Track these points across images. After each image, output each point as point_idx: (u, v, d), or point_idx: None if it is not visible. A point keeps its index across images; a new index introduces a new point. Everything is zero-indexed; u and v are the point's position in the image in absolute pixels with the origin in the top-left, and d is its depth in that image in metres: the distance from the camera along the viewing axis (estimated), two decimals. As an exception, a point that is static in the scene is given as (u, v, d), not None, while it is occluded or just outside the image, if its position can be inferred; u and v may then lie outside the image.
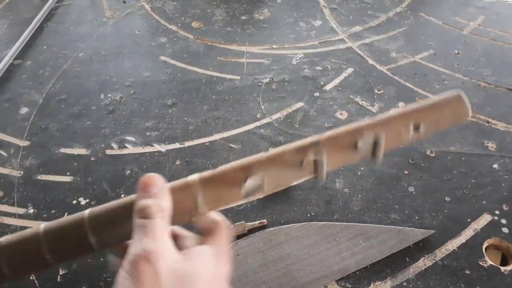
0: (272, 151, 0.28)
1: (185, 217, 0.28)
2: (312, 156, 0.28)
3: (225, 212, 0.75)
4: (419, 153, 0.85)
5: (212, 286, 0.23)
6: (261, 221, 0.73)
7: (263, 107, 0.99)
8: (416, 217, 0.73)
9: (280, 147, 0.28)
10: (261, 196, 0.30)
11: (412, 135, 0.29)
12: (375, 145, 0.28)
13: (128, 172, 0.84)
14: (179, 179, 0.28)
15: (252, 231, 0.71)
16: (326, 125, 0.93)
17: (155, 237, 0.23)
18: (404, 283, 0.64)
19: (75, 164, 0.87)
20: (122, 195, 0.80)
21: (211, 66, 1.12)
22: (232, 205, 0.28)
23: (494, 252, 0.69)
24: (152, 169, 0.84)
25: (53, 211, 0.77)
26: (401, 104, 0.97)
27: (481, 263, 0.66)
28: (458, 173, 0.81)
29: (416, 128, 0.29)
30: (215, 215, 0.28)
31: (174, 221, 0.27)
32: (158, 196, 0.25)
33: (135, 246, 0.22)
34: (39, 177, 0.85)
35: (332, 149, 0.29)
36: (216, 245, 0.26)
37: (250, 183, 0.27)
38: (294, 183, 0.29)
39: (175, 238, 0.28)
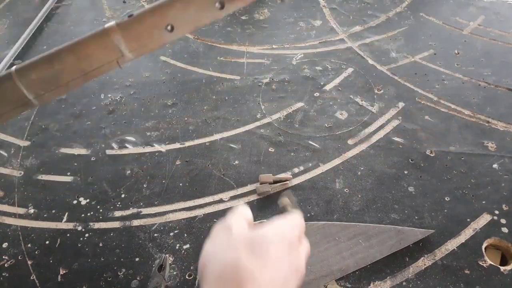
0: None
1: (110, 66, 0.28)
2: None
3: (226, 211, 0.75)
4: (419, 153, 0.85)
5: (279, 241, 0.29)
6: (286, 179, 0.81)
7: (263, 107, 0.99)
8: (416, 217, 0.73)
9: None
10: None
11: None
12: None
13: (129, 172, 0.84)
14: (96, 29, 0.28)
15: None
16: (326, 125, 0.93)
17: (234, 219, 0.31)
18: (404, 283, 0.64)
19: (75, 164, 0.87)
20: (123, 195, 0.80)
21: (211, 66, 1.13)
22: (156, 48, 0.28)
23: (494, 252, 0.70)
24: (152, 169, 0.84)
25: (53, 211, 0.78)
26: (400, 103, 0.97)
27: (480, 263, 0.66)
28: (458, 173, 0.81)
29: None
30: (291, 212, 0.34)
31: (93, 74, 0.27)
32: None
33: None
34: (39, 177, 0.85)
35: None
36: (286, 216, 0.32)
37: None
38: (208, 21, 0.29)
39: None
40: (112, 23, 0.27)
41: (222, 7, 0.28)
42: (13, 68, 0.27)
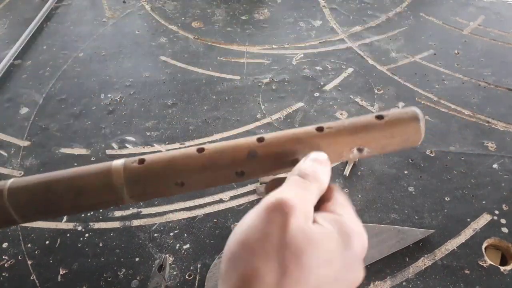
0: (207, 152, 0.26)
1: (107, 206, 0.26)
2: (244, 167, 0.26)
3: (226, 211, 0.76)
4: (419, 153, 0.85)
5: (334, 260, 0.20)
6: None
7: (263, 107, 0.99)
8: (416, 217, 0.73)
9: (212, 146, 0.26)
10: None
11: (353, 156, 0.26)
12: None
13: (128, 172, 0.84)
14: (102, 163, 0.26)
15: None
16: (326, 125, 0.93)
17: (299, 195, 0.22)
18: (404, 283, 0.64)
19: (76, 164, 0.87)
20: (122, 195, 0.80)
21: (211, 66, 1.13)
22: (159, 197, 0.27)
23: (494, 252, 0.70)
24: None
25: (53, 211, 0.78)
26: (400, 103, 0.97)
27: (480, 263, 0.66)
28: (458, 173, 0.81)
29: (360, 150, 0.26)
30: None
31: (96, 207, 0.26)
32: (320, 170, 0.25)
33: (278, 191, 0.22)
34: (39, 177, 0.85)
35: (265, 158, 0.27)
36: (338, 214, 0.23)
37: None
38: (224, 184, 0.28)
39: None
40: (119, 163, 0.25)
41: (241, 174, 0.26)
42: (7, 185, 0.25)
